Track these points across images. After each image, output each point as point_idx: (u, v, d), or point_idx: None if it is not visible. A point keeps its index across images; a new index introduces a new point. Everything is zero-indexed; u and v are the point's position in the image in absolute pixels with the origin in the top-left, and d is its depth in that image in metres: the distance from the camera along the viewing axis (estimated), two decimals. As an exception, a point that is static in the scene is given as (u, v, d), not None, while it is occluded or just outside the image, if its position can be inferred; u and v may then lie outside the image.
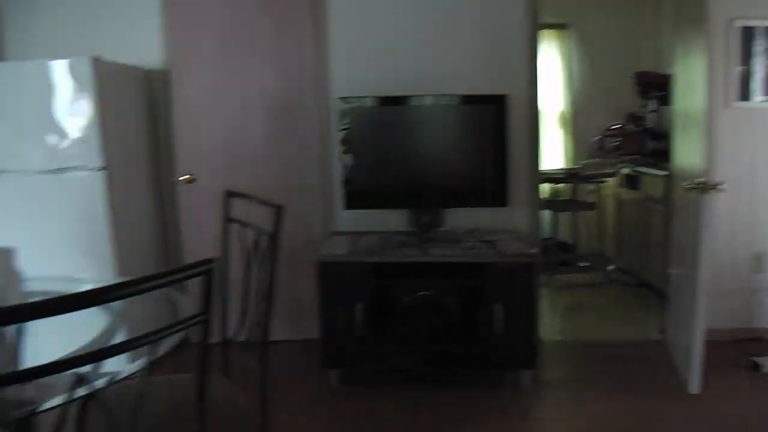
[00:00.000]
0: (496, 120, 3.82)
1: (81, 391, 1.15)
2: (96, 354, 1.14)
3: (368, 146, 3.91)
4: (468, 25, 4.04)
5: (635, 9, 6.26)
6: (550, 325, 4.66)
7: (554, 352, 4.14)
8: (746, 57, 4.20)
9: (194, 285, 1.24)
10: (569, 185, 6.01)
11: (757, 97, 4.23)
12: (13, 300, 1.82)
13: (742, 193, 4.21)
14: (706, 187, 3.21)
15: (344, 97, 3.87)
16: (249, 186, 3.90)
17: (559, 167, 6.31)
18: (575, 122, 6.61)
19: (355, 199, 3.93)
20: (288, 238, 3.86)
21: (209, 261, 1.20)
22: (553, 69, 6.57)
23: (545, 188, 5.96)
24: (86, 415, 1.24)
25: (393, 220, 4.10)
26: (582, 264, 6.01)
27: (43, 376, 1.03)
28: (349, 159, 3.88)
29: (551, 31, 6.52)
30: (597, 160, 6.20)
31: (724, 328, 4.23)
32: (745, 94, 4.22)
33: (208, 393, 1.39)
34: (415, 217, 3.88)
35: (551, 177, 5.79)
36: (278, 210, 2.20)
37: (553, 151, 6.60)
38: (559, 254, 5.88)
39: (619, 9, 6.37)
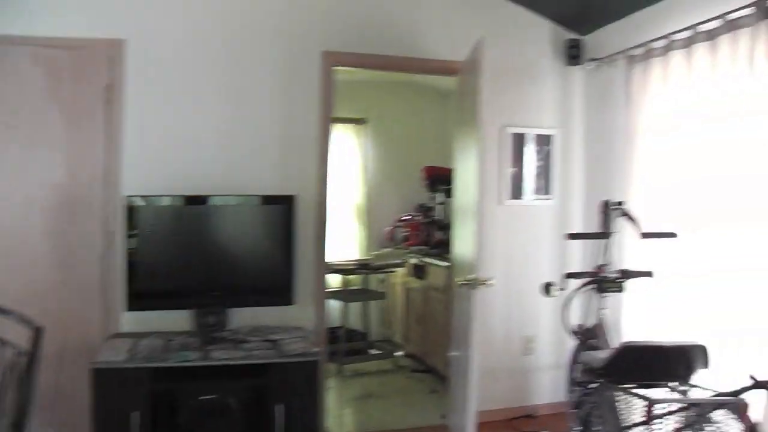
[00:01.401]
0: (284, 220, 3.86)
1: None
2: None
3: (155, 246, 3.74)
4: (264, 130, 4.05)
5: (427, 107, 6.75)
6: (339, 416, 4.65)
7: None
8: (518, 159, 4.63)
9: None
10: (362, 275, 6.15)
11: (528, 195, 4.66)
12: None
13: (514, 281, 4.56)
14: (475, 284, 3.43)
15: (133, 195, 3.69)
16: (24, 282, 3.64)
17: (352, 258, 6.45)
18: (370, 213, 6.85)
19: (139, 299, 3.69)
20: (64, 340, 3.58)
21: None
22: (350, 161, 6.80)
23: (337, 279, 6.06)
24: None
25: (178, 320, 3.85)
26: (373, 351, 6.12)
27: None
28: (134, 258, 3.67)
29: (350, 125, 6.78)
30: (388, 250, 6.45)
31: (499, 408, 4.49)
32: (517, 193, 4.63)
33: None
34: (200, 318, 3.73)
35: (343, 268, 5.90)
36: (37, 332, 1.93)
37: (349, 242, 6.76)
38: (349, 342, 5.95)
39: (413, 106, 6.84)
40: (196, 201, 3.79)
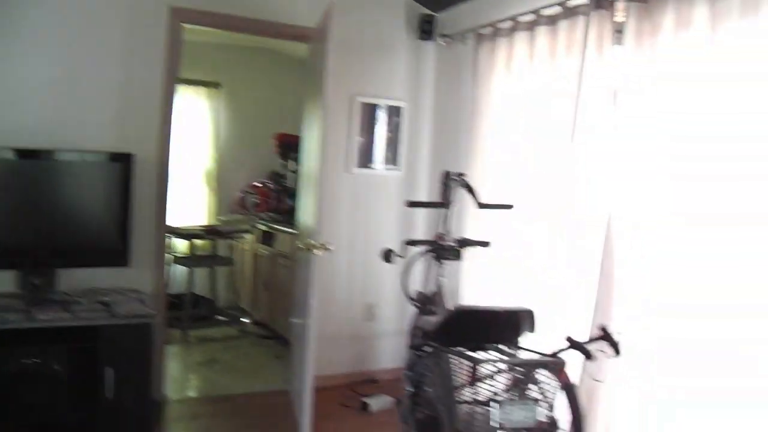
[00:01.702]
0: (121, 179, 3.65)
1: None
2: None
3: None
4: (104, 85, 3.80)
5: (283, 73, 6.65)
6: (181, 382, 4.57)
7: (182, 411, 4.03)
8: (369, 129, 4.70)
9: None
10: (210, 241, 6.03)
11: (377, 164, 4.74)
12: None
13: (358, 249, 4.65)
14: (314, 248, 3.46)
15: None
16: None
17: (201, 224, 6.31)
18: (220, 179, 6.71)
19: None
20: None
21: None
22: (201, 125, 6.61)
23: (184, 244, 5.92)
24: None
25: (2, 281, 3.55)
26: (220, 318, 6.05)
27: None
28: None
29: (202, 88, 6.59)
30: (237, 216, 6.36)
31: (341, 374, 4.59)
32: (365, 162, 4.70)
33: None
34: (26, 279, 3.47)
35: (190, 233, 5.76)
36: None
37: (198, 207, 6.61)
38: (196, 309, 5.86)
39: (269, 72, 6.74)
40: (25, 154, 3.48)
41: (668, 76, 2.89)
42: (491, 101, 4.14)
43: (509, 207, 3.62)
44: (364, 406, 4.14)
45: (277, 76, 6.71)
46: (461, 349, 2.87)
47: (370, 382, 4.64)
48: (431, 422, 2.84)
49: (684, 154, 2.81)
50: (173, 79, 3.99)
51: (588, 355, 2.63)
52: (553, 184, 3.57)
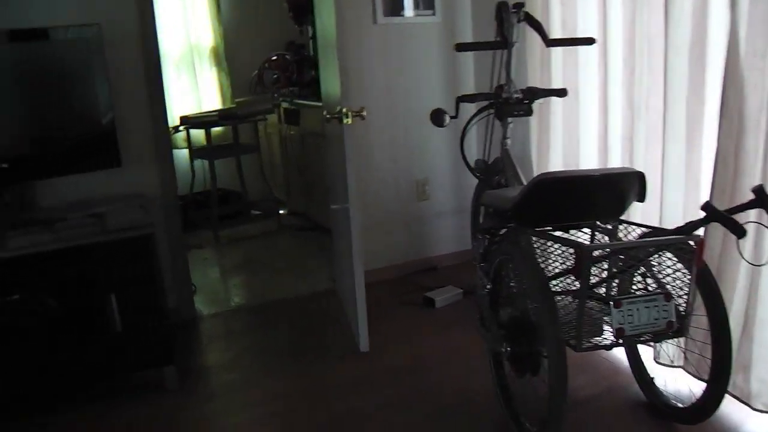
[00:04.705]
0: (89, 57, 2.84)
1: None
2: None
3: None
4: None
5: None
6: (214, 293, 4.01)
7: (218, 328, 3.49)
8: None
9: None
10: (230, 127, 5.32)
11: (408, 11, 3.90)
12: None
13: (397, 117, 3.91)
14: (343, 116, 2.72)
15: None
16: None
17: (214, 109, 5.57)
18: (230, 56, 5.91)
19: None
20: None
21: None
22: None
23: (199, 134, 5.24)
24: None
25: None
26: (254, 212, 5.45)
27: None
28: None
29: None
30: (254, 96, 5.61)
31: (395, 265, 3.98)
32: (396, 8, 3.86)
33: None
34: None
35: (202, 120, 5.04)
36: None
37: (210, 92, 5.86)
38: (224, 206, 5.25)
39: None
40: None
41: None
42: None
43: (590, 42, 2.80)
44: (428, 302, 3.52)
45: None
46: (550, 229, 2.19)
47: (429, 271, 4.02)
48: (520, 324, 2.19)
49: None
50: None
51: (739, 231, 1.88)
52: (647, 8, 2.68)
